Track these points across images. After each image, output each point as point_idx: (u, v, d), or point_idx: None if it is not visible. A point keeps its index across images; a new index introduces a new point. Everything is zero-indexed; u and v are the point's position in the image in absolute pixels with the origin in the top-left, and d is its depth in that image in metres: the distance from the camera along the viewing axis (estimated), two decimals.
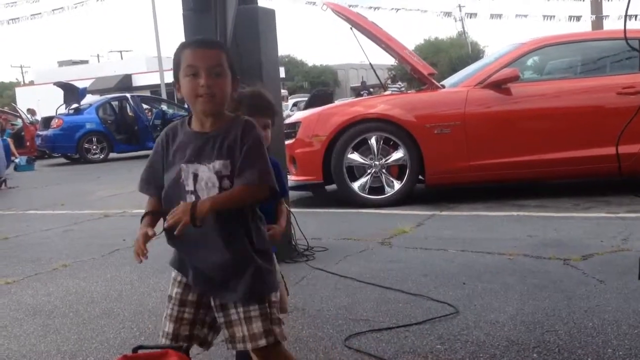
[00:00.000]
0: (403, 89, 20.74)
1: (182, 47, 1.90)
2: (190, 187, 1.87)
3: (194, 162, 1.87)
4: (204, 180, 1.85)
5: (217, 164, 1.84)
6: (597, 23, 19.03)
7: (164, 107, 19.42)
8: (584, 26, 20.52)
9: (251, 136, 1.86)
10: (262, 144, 1.89)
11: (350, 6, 11.28)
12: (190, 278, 1.96)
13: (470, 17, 25.84)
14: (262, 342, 1.89)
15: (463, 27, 47.96)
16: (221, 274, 1.89)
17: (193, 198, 1.86)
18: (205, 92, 1.83)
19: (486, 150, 6.27)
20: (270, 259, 1.98)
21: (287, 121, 7.13)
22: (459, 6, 36.48)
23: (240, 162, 1.83)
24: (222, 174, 1.85)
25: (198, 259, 1.92)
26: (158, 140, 1.99)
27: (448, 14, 24.56)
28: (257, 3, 4.59)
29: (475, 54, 41.01)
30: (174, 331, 1.98)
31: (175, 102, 22.64)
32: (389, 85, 19.90)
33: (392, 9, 19.76)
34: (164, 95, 28.82)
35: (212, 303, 1.94)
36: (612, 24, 18.95)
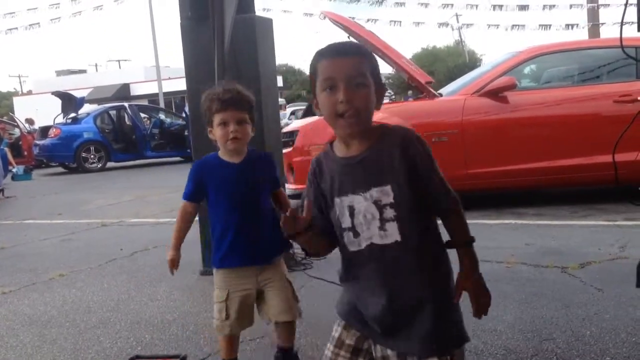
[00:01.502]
0: (393, 97, 20.75)
1: (318, 57, 1.62)
2: (347, 223, 1.61)
3: (347, 194, 1.60)
4: (361, 213, 1.58)
5: (375, 192, 1.57)
6: (594, 30, 19.10)
7: (162, 116, 19.42)
8: (581, 34, 20.62)
9: (418, 150, 1.61)
10: (431, 155, 1.65)
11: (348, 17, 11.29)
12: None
13: (468, 27, 25.92)
14: None
15: (460, 36, 48.15)
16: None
17: (351, 235, 1.61)
18: (346, 110, 1.55)
19: (484, 159, 6.27)
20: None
21: (285, 130, 7.13)
22: (456, 15, 36.63)
23: (430, 189, 1.60)
24: (382, 203, 1.56)
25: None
26: (309, 174, 1.73)
27: (445, 25, 24.64)
28: (254, 12, 4.60)
29: (473, 62, 41.15)
30: None
31: (173, 111, 22.66)
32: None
33: (390, 21, 19.83)
34: (162, 104, 28.84)
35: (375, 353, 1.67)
36: (609, 30, 19.06)
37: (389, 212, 1.56)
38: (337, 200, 1.62)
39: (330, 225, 1.68)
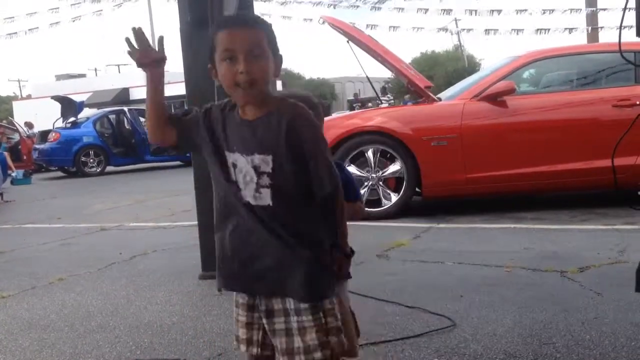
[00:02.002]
0: (392, 101, 20.75)
1: (217, 27, 1.71)
2: (232, 176, 1.73)
3: (234, 151, 1.71)
4: (242, 172, 1.71)
5: (256, 158, 1.68)
6: (593, 35, 19.13)
7: None
8: (580, 37, 20.63)
9: (306, 128, 1.67)
10: (321, 134, 1.73)
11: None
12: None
13: (467, 32, 25.94)
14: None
15: (459, 41, 48.18)
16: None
17: (234, 187, 1.72)
18: (245, 80, 1.64)
19: (483, 163, 6.28)
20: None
21: None
22: (455, 20, 36.66)
23: (312, 170, 1.67)
24: (260, 169, 1.68)
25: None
26: (203, 110, 1.82)
27: (444, 30, 24.67)
28: None
29: (472, 67, 41.17)
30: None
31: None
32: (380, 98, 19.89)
33: (390, 27, 19.86)
34: None
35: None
36: (608, 34, 19.07)
37: (265, 180, 1.68)
38: (227, 153, 1.72)
39: (187, 136, 1.81)
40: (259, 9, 17.92)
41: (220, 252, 1.84)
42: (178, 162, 17.35)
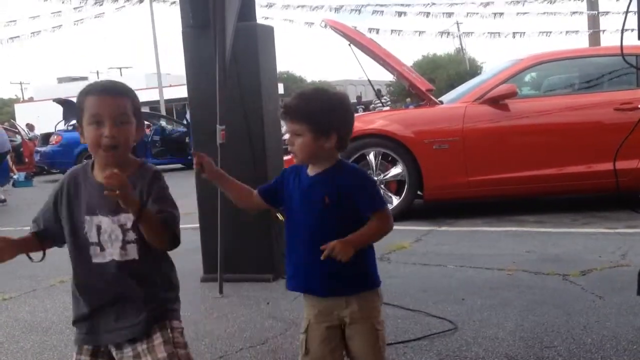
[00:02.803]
0: (389, 104, 20.70)
1: (85, 93, 1.83)
2: (94, 239, 1.82)
3: (97, 214, 1.81)
4: (107, 232, 1.81)
5: (123, 217, 1.78)
6: (594, 37, 19.13)
7: (163, 123, 19.44)
8: (581, 40, 20.63)
9: (159, 184, 1.83)
10: (168, 193, 1.86)
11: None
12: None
13: (468, 35, 25.94)
14: None
15: (461, 44, 48.13)
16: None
17: (98, 250, 1.82)
18: (109, 144, 1.77)
19: (484, 166, 6.27)
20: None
21: (286, 137, 7.12)
22: (457, 23, 36.65)
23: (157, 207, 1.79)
24: (126, 227, 1.79)
25: None
26: (56, 186, 1.96)
27: (446, 33, 24.66)
28: (255, 21, 4.61)
29: (474, 70, 41.14)
30: None
31: (175, 118, 22.68)
32: (374, 103, 19.83)
33: (392, 31, 19.89)
34: (163, 112, 28.88)
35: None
36: (610, 37, 19.07)
37: (131, 235, 1.79)
38: (87, 217, 1.82)
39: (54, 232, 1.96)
40: (261, 12, 17.96)
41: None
42: (180, 165, 17.36)
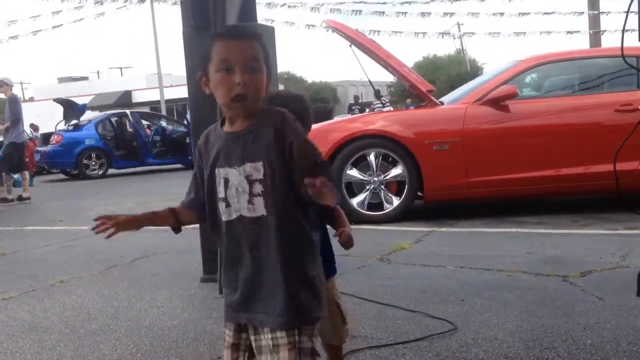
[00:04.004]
0: (388, 104, 20.70)
1: (216, 37, 1.72)
2: (221, 194, 1.71)
3: (224, 166, 1.70)
4: (234, 186, 1.68)
5: (248, 166, 1.65)
6: (595, 38, 19.12)
7: (164, 123, 19.46)
8: (582, 40, 20.62)
9: (293, 131, 1.64)
10: (306, 137, 1.70)
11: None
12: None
13: (469, 36, 25.96)
14: None
15: (462, 45, 48.22)
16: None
17: (224, 206, 1.70)
18: (240, 92, 1.63)
19: (485, 167, 6.27)
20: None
21: None
22: (458, 24, 36.70)
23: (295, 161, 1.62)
24: (252, 178, 1.65)
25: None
26: (195, 153, 1.86)
27: (447, 34, 24.68)
28: (257, 21, 4.61)
29: (474, 71, 41.22)
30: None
31: (175, 118, 22.70)
32: (374, 104, 19.77)
33: (393, 32, 19.91)
34: (163, 112, 28.89)
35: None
36: (610, 38, 19.06)
37: (258, 188, 1.64)
38: (216, 171, 1.71)
39: (200, 200, 1.81)
40: (261, 14, 17.96)
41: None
42: (180, 165, 17.37)
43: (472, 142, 6.25)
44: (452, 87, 12.22)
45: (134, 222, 1.86)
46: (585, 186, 6.18)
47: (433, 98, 6.84)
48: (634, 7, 2.13)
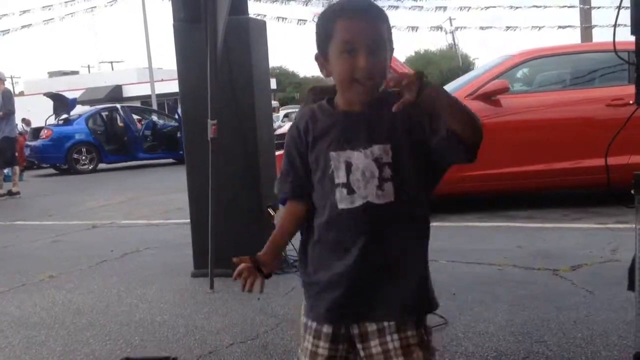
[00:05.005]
0: None
1: (338, 13, 1.52)
2: (341, 179, 1.51)
3: (345, 149, 1.52)
4: (359, 169, 1.50)
5: (376, 149, 1.50)
6: (586, 32, 19.17)
7: (155, 117, 19.37)
8: (573, 35, 20.69)
9: (418, 109, 1.46)
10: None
11: None
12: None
13: (461, 30, 26.01)
14: None
15: (454, 40, 48.28)
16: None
17: (345, 192, 1.51)
18: (365, 76, 1.48)
19: (477, 161, 6.27)
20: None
21: (278, 132, 7.11)
22: (450, 19, 36.72)
23: (434, 124, 1.49)
24: (382, 161, 1.50)
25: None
26: (292, 133, 1.61)
27: (439, 28, 24.72)
28: (248, 15, 4.59)
29: (466, 66, 41.29)
30: None
31: (166, 112, 22.60)
32: None
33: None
34: (154, 106, 28.76)
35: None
36: (602, 32, 19.11)
37: (387, 172, 1.50)
38: (332, 154, 1.53)
39: (306, 189, 1.61)
40: (253, 9, 17.91)
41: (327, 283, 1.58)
42: (171, 160, 17.31)
43: None
44: (445, 82, 12.24)
45: (273, 260, 1.67)
46: (576, 180, 6.19)
47: None
48: (626, 2, 2.12)
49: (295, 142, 1.60)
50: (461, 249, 4.78)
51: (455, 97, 1.48)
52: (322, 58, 1.57)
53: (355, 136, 1.52)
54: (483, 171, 6.25)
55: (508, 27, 21.20)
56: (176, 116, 17.19)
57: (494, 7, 19.81)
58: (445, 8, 19.80)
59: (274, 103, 28.63)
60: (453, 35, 46.08)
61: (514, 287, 3.71)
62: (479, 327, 3.09)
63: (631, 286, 2.53)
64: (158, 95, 31.15)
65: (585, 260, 4.17)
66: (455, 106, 1.48)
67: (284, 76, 55.68)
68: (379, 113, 1.51)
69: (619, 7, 1.87)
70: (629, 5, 1.99)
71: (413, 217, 1.59)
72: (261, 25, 4.59)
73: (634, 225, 2.47)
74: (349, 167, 1.51)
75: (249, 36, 4.31)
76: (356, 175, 1.51)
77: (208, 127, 4.03)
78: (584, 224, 5.49)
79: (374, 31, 1.50)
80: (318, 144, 1.56)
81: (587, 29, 19.09)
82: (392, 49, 1.57)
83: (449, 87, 7.38)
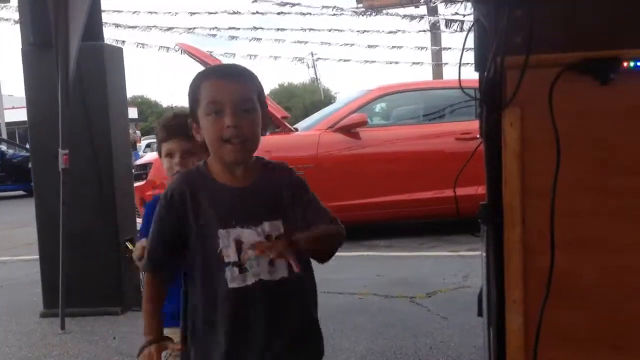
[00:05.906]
0: None
1: (203, 77, 1.54)
2: (232, 257, 1.47)
3: (235, 226, 1.48)
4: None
5: (267, 225, 1.49)
6: (437, 70, 20.44)
7: (4, 147, 18.14)
8: (427, 71, 21.97)
9: (302, 186, 1.57)
10: (308, 187, 1.61)
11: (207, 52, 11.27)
12: None
13: (323, 61, 26.88)
14: None
15: (316, 74, 49.48)
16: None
17: (236, 271, 1.47)
18: (234, 135, 1.46)
19: (338, 192, 6.39)
20: None
21: (138, 162, 6.89)
22: (312, 54, 37.68)
23: (310, 217, 1.53)
24: (273, 237, 1.49)
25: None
26: (167, 202, 1.52)
27: (301, 60, 25.29)
28: (103, 41, 4.43)
29: (328, 99, 42.33)
30: None
31: (17, 141, 21.27)
32: None
33: (248, 55, 20.14)
34: (4, 135, 26.97)
35: None
36: (451, 70, 20.45)
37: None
38: (221, 232, 1.48)
39: (174, 265, 1.57)
40: (113, 35, 17.38)
41: None
42: (20, 192, 16.23)
43: (326, 168, 6.37)
44: (307, 115, 12.47)
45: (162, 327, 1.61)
46: (431, 210, 6.47)
47: (288, 124, 6.91)
48: (469, 44, 2.26)
49: (168, 212, 1.53)
50: (323, 278, 4.77)
51: (325, 236, 1.55)
52: (194, 123, 1.55)
53: (244, 213, 1.50)
54: (344, 202, 6.38)
55: (366, 62, 22.16)
56: (28, 146, 16.21)
57: (352, 44, 20.65)
58: (306, 42, 20.40)
59: (137, 133, 27.78)
60: (315, 69, 47.29)
61: (374, 315, 3.79)
62: (339, 357, 3.12)
63: (480, 312, 2.66)
64: (8, 124, 29.30)
65: (440, 287, 4.35)
66: (322, 248, 1.56)
67: (147, 105, 54.27)
68: (268, 187, 1.53)
69: (463, 49, 2.00)
70: (472, 47, 2.12)
71: (305, 289, 1.62)
72: (117, 52, 4.45)
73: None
74: (239, 245, 1.48)
75: (104, 62, 4.15)
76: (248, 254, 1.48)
77: (59, 157, 3.82)
78: (438, 252, 5.75)
79: (241, 91, 1.51)
80: (200, 219, 1.50)
81: (437, 67, 20.37)
82: (265, 111, 1.59)
83: (311, 120, 7.53)
